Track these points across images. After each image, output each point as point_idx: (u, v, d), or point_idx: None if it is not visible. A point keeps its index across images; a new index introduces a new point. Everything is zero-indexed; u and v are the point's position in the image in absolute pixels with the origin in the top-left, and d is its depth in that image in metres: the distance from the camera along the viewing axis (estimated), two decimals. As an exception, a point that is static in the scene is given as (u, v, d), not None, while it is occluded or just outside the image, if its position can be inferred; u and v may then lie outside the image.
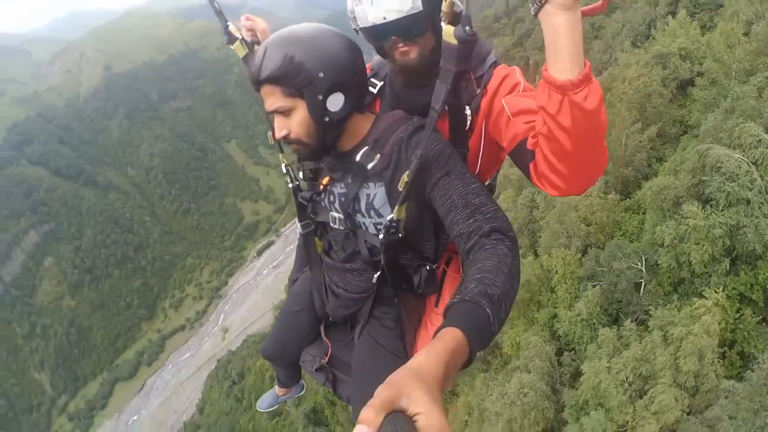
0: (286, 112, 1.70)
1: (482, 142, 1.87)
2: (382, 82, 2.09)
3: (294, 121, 1.71)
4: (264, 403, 3.26)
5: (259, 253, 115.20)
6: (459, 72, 1.62)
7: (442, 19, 1.54)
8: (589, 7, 1.46)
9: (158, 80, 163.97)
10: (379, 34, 1.79)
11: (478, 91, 1.86)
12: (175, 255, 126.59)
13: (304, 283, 2.44)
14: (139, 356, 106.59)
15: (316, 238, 2.17)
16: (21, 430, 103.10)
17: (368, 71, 2.07)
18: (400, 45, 1.81)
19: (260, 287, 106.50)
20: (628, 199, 29.14)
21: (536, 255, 30.42)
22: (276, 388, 3.14)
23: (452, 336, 1.03)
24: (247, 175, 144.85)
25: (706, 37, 34.44)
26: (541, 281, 28.97)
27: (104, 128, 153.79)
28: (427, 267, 1.92)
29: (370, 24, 1.76)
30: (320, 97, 1.66)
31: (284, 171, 2.06)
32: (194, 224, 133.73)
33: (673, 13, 39.66)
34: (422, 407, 0.75)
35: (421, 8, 1.63)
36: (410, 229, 1.79)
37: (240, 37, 2.07)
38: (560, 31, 1.32)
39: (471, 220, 1.53)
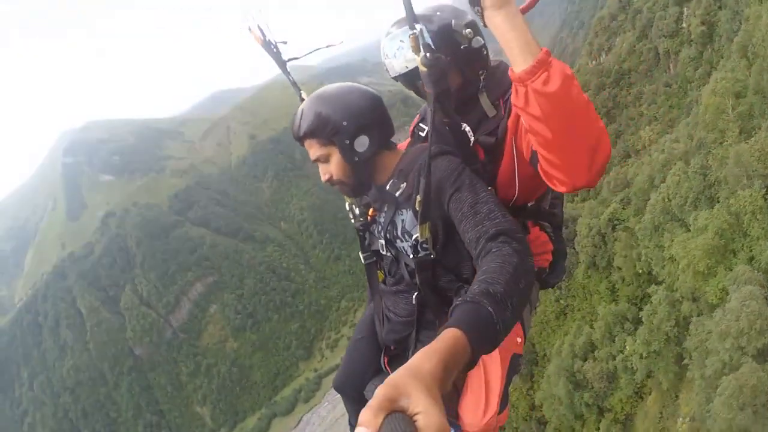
0: (325, 160, 1.96)
1: (515, 161, 1.92)
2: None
3: (332, 166, 1.96)
4: None
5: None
6: (439, 92, 1.72)
7: (412, 50, 1.68)
8: (525, 4, 1.58)
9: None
10: (409, 80, 2.05)
11: (504, 114, 1.98)
12: (330, 299, 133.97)
13: (368, 312, 2.57)
14: (297, 393, 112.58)
15: (378, 270, 2.34)
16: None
17: (417, 119, 2.37)
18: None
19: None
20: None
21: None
22: None
23: (452, 335, 1.04)
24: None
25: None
26: (732, 227, 29.49)
27: (256, 189, 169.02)
28: (466, 289, 1.91)
29: (398, 73, 2.02)
30: (347, 141, 1.90)
31: (348, 209, 2.29)
32: (346, 269, 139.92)
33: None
34: (421, 407, 0.76)
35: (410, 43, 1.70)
36: (444, 250, 1.93)
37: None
38: (502, 28, 1.41)
39: (479, 227, 1.59)
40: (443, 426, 0.75)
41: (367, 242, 2.28)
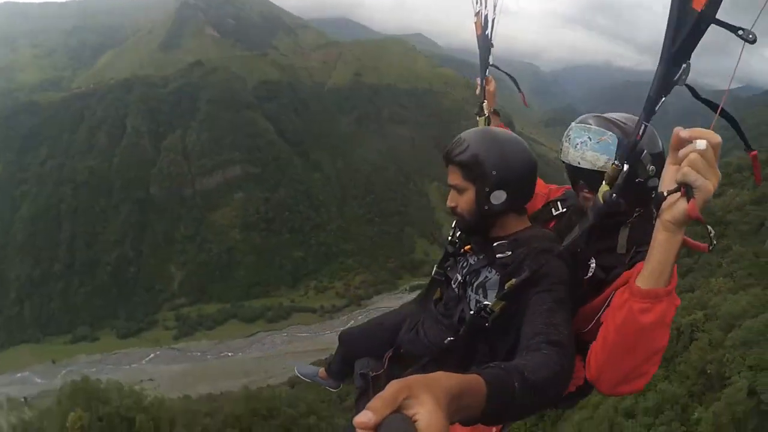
0: (460, 190, 2.07)
1: (605, 305, 1.88)
2: (565, 209, 2.37)
3: (463, 200, 2.08)
4: (303, 369, 3.55)
5: (412, 289, 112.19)
6: (594, 225, 1.79)
7: (604, 179, 1.75)
8: (695, 242, 1.49)
9: (395, 102, 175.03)
10: (572, 174, 2.12)
11: (627, 262, 1.95)
12: (342, 251, 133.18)
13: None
14: (265, 311, 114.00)
15: (439, 289, 2.44)
16: (132, 298, 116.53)
17: (560, 194, 2.50)
18: (585, 191, 2.08)
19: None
20: None
21: None
22: (322, 370, 3.35)
23: (476, 379, 1.08)
24: (435, 218, 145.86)
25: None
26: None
27: (336, 120, 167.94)
28: None
29: (569, 162, 2.07)
30: (487, 189, 1.99)
31: (453, 224, 2.41)
32: (370, 235, 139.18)
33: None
34: (425, 410, 0.78)
35: (608, 170, 1.76)
36: (500, 330, 1.90)
37: (486, 114, 2.66)
38: (658, 245, 1.42)
39: (543, 326, 1.61)
40: (443, 430, 0.77)
41: (448, 263, 2.39)
